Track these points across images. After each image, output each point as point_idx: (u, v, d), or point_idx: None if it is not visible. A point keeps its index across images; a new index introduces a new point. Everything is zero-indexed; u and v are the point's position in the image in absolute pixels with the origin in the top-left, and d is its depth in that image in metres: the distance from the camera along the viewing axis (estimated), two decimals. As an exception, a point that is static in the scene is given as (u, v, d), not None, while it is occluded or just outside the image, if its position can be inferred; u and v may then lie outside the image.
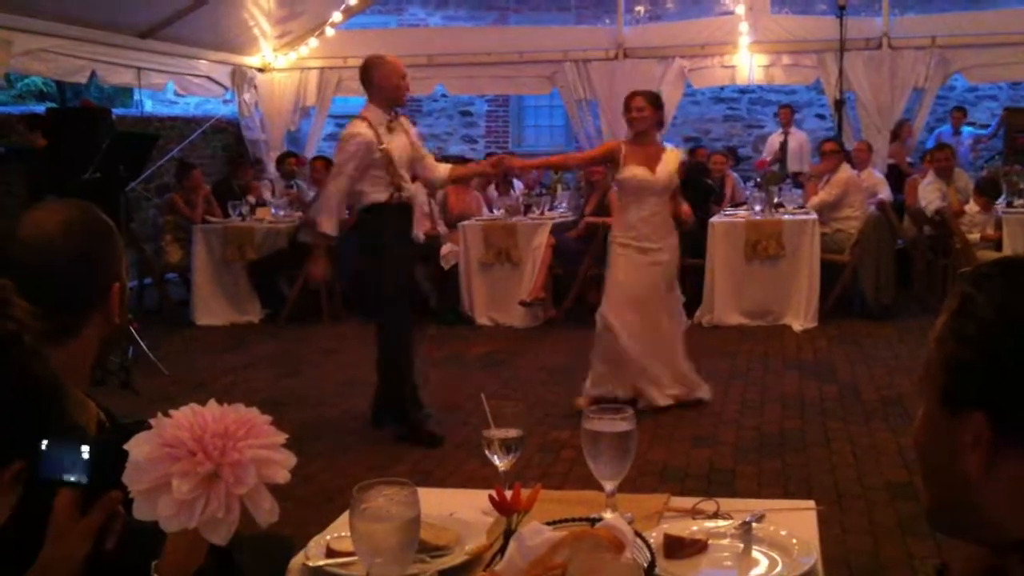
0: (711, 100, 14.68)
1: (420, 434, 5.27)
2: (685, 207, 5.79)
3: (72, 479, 1.28)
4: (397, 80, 5.23)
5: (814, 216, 8.23)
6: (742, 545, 1.68)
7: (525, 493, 1.64)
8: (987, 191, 8.46)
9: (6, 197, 8.53)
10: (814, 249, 8.05)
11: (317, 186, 9.19)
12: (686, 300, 8.40)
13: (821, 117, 13.91)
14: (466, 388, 5.64)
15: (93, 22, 8.84)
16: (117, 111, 10.87)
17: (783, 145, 11.50)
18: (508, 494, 1.63)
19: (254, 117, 11.70)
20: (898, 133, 10.48)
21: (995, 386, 1.00)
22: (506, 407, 1.86)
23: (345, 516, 1.53)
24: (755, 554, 1.65)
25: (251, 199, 9.47)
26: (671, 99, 11.16)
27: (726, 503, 1.87)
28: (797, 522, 1.79)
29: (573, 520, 1.66)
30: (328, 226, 5.25)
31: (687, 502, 1.89)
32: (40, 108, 10.82)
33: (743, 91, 14.18)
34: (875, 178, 9.38)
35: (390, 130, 5.23)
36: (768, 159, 11.47)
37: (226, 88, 11.31)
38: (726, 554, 1.67)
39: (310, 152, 11.93)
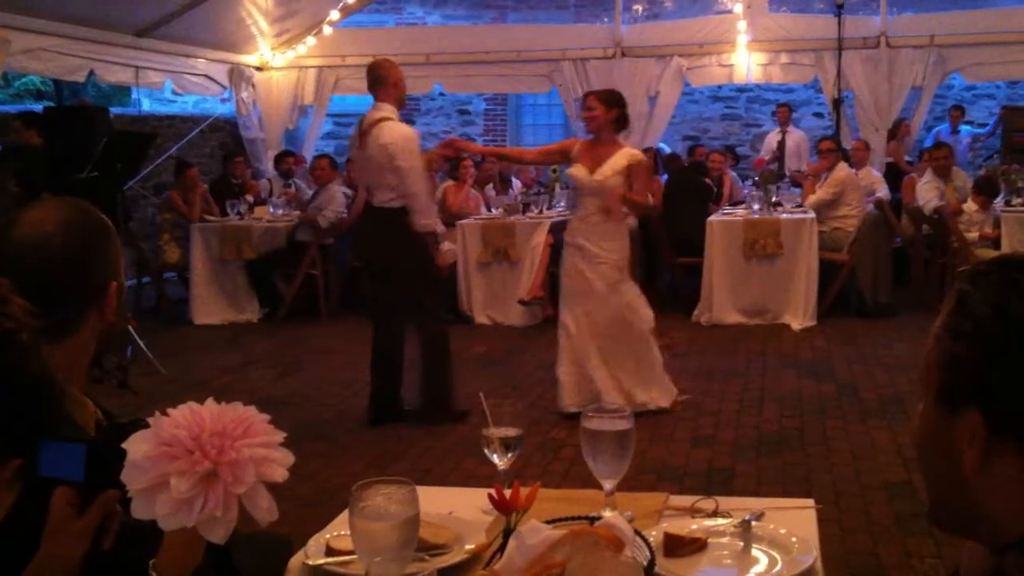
0: (709, 99, 14.68)
1: (453, 411, 5.45)
2: (641, 198, 5.49)
3: (70, 478, 1.28)
4: (405, 81, 5.47)
5: (812, 215, 8.23)
6: (742, 543, 1.67)
7: (524, 492, 1.63)
8: (985, 190, 8.46)
9: (1, 196, 8.51)
10: (812, 248, 8.05)
11: (320, 185, 9.18)
12: (685, 298, 8.50)
13: (819, 116, 13.91)
14: (465, 387, 5.63)
15: (91, 21, 8.83)
16: (115, 110, 10.88)
17: (780, 144, 11.50)
18: (507, 493, 1.63)
19: (252, 116, 11.69)
20: (895, 132, 10.48)
21: (989, 383, 1.00)
22: (505, 406, 1.86)
23: (344, 515, 1.53)
24: (755, 552, 1.65)
25: (249, 198, 9.47)
26: (669, 98, 11.19)
27: (725, 502, 1.86)
28: (796, 521, 1.79)
29: (572, 519, 1.66)
30: (437, 224, 5.56)
31: (686, 500, 1.89)
32: (38, 107, 10.82)
33: (741, 90, 14.18)
34: (873, 177, 9.39)
35: None
36: (766, 158, 11.47)
37: (224, 87, 11.30)
38: (726, 552, 1.67)
39: (308, 151, 11.93)
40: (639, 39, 11.00)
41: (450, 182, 9.27)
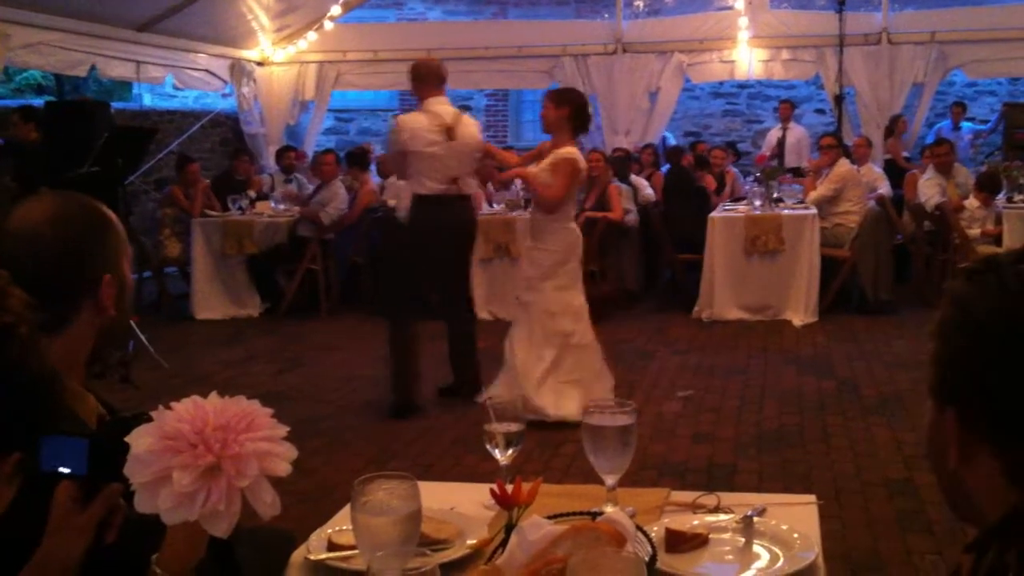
0: (710, 95, 14.67)
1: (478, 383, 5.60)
2: (531, 178, 5.41)
3: (72, 472, 1.28)
4: None
5: (813, 211, 8.22)
6: (743, 539, 1.68)
7: (526, 487, 1.63)
8: (987, 186, 8.46)
9: (-1, 190, 8.51)
10: (813, 244, 8.04)
11: (324, 180, 9.17)
12: (686, 295, 8.48)
13: (820, 112, 13.91)
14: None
15: (92, 15, 8.83)
16: (116, 105, 10.87)
17: (781, 140, 11.49)
18: (509, 488, 1.63)
19: (253, 111, 11.69)
20: (893, 128, 10.45)
21: (961, 384, 1.02)
22: (507, 401, 1.86)
23: (346, 510, 1.53)
24: (756, 548, 1.65)
25: (251, 193, 9.46)
26: (670, 94, 11.19)
27: (727, 497, 1.86)
28: (798, 517, 1.79)
29: (574, 514, 1.66)
30: None
31: (688, 496, 1.89)
32: (39, 101, 10.81)
33: (742, 86, 14.18)
34: (874, 173, 9.37)
35: None
36: (767, 154, 11.46)
37: (225, 82, 11.30)
38: (727, 548, 1.67)
39: (309, 146, 11.93)
40: (640, 35, 10.99)
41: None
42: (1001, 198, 8.64)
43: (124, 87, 13.31)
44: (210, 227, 8.83)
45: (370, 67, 11.85)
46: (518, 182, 10.42)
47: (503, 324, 8.25)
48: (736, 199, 9.62)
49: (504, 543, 1.54)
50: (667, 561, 1.57)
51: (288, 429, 1.27)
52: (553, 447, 4.94)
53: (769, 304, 8.10)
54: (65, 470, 1.28)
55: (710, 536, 1.68)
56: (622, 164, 9.71)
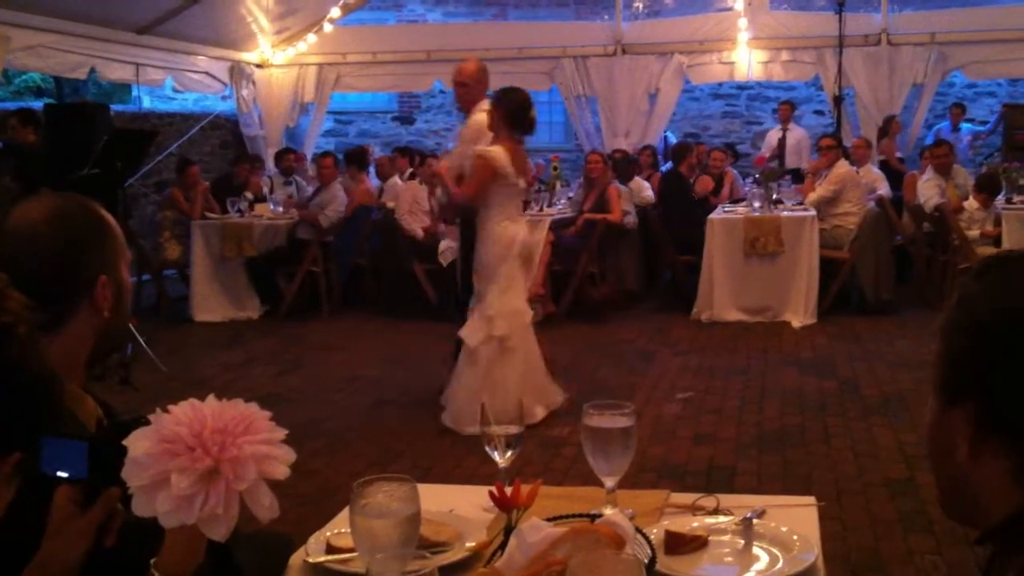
0: (710, 96, 14.67)
1: None
2: (453, 186, 5.49)
3: (72, 475, 1.28)
4: None
5: (813, 212, 8.22)
6: (743, 541, 1.67)
7: (525, 489, 1.63)
8: (986, 187, 8.46)
9: (-2, 193, 8.51)
10: (813, 245, 8.04)
11: (323, 183, 9.17)
12: (687, 297, 8.47)
13: (820, 113, 13.91)
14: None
15: (91, 18, 8.83)
16: (115, 107, 10.86)
17: (781, 141, 11.49)
18: (508, 490, 1.63)
19: (252, 113, 11.69)
20: (887, 129, 10.44)
21: (978, 379, 1.02)
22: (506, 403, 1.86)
23: (345, 512, 1.52)
24: (756, 550, 1.65)
25: (248, 195, 9.45)
26: (669, 95, 11.20)
27: (726, 499, 1.86)
28: (798, 518, 1.78)
29: (573, 516, 1.66)
30: None
31: (687, 498, 1.89)
32: (38, 104, 10.81)
33: (742, 87, 14.18)
34: (874, 174, 9.37)
35: None
36: (767, 155, 11.47)
37: (224, 84, 11.30)
38: (727, 550, 1.67)
39: (308, 148, 11.93)
40: (640, 36, 11.00)
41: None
42: (1000, 199, 8.63)
43: (123, 90, 13.31)
44: (209, 230, 8.83)
45: (370, 69, 11.85)
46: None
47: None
48: (735, 200, 9.62)
49: (503, 545, 1.53)
50: (666, 563, 1.57)
51: (287, 432, 1.26)
52: (553, 449, 4.94)
53: (768, 305, 8.10)
54: (65, 473, 1.28)
55: (709, 538, 1.68)
56: (626, 166, 9.72)
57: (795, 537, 1.66)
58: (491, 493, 1.65)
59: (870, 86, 10.48)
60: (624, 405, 1.78)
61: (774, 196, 8.75)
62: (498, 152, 5.24)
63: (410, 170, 9.90)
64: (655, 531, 1.64)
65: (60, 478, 1.28)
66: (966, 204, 8.44)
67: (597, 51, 11.03)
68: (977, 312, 1.03)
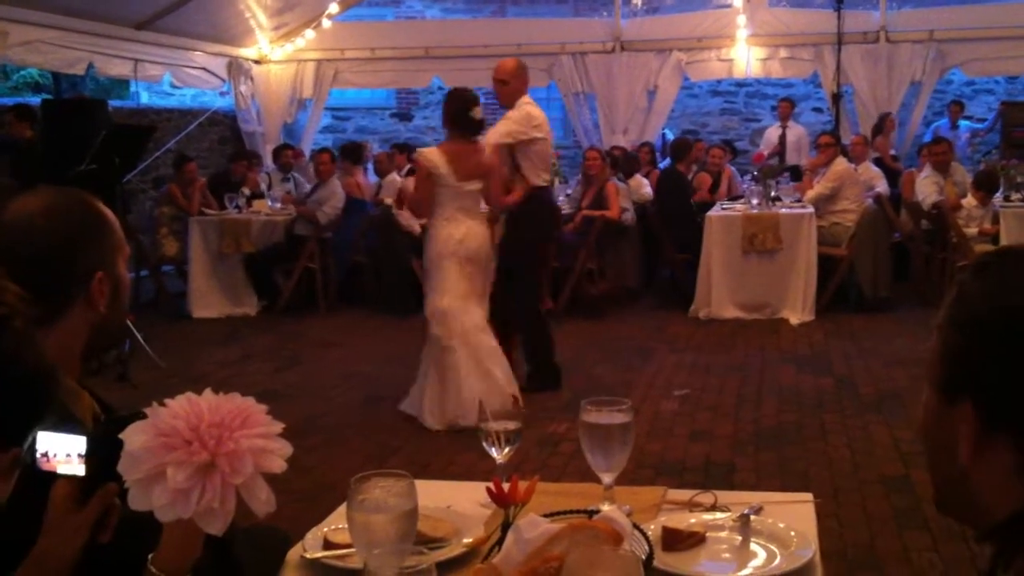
0: (708, 93, 14.67)
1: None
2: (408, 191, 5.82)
3: (69, 470, 1.28)
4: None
5: (811, 209, 8.23)
6: (740, 537, 1.67)
7: (523, 485, 1.63)
8: (984, 185, 8.46)
9: (-5, 189, 8.50)
10: (811, 242, 8.04)
11: (321, 179, 9.16)
12: (686, 294, 8.47)
13: (818, 111, 13.91)
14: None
15: (89, 13, 8.81)
16: (113, 103, 10.86)
17: (781, 139, 11.49)
18: (506, 486, 1.63)
19: (250, 109, 11.68)
20: (881, 126, 10.43)
21: (982, 375, 1.01)
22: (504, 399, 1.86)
23: (342, 508, 1.52)
24: (753, 546, 1.65)
25: (246, 191, 9.45)
26: (668, 92, 11.19)
27: (724, 495, 1.86)
28: (795, 515, 1.78)
29: (571, 512, 1.66)
30: None
31: (685, 494, 1.89)
32: (36, 99, 10.80)
33: (740, 84, 14.18)
34: (872, 171, 9.37)
35: None
36: (766, 152, 11.47)
37: (223, 80, 11.29)
38: (724, 546, 1.67)
39: (306, 144, 11.92)
40: (638, 33, 10.99)
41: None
42: (998, 197, 8.64)
43: (122, 85, 13.29)
44: (207, 226, 8.82)
45: (368, 65, 11.84)
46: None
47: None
48: (733, 198, 9.61)
49: (500, 541, 1.53)
50: (664, 559, 1.57)
51: (283, 426, 1.26)
52: (551, 445, 4.94)
53: (766, 302, 8.10)
54: (62, 469, 1.28)
55: (707, 534, 1.68)
56: (628, 163, 9.71)
57: (792, 533, 1.66)
58: (488, 489, 1.65)
59: (869, 83, 10.48)
60: (622, 401, 1.78)
61: (772, 193, 8.75)
62: (430, 154, 5.32)
63: (408, 166, 9.88)
64: (652, 527, 1.64)
65: (57, 473, 1.28)
66: (964, 201, 8.44)
67: (596, 48, 11.03)
68: (975, 309, 1.02)
